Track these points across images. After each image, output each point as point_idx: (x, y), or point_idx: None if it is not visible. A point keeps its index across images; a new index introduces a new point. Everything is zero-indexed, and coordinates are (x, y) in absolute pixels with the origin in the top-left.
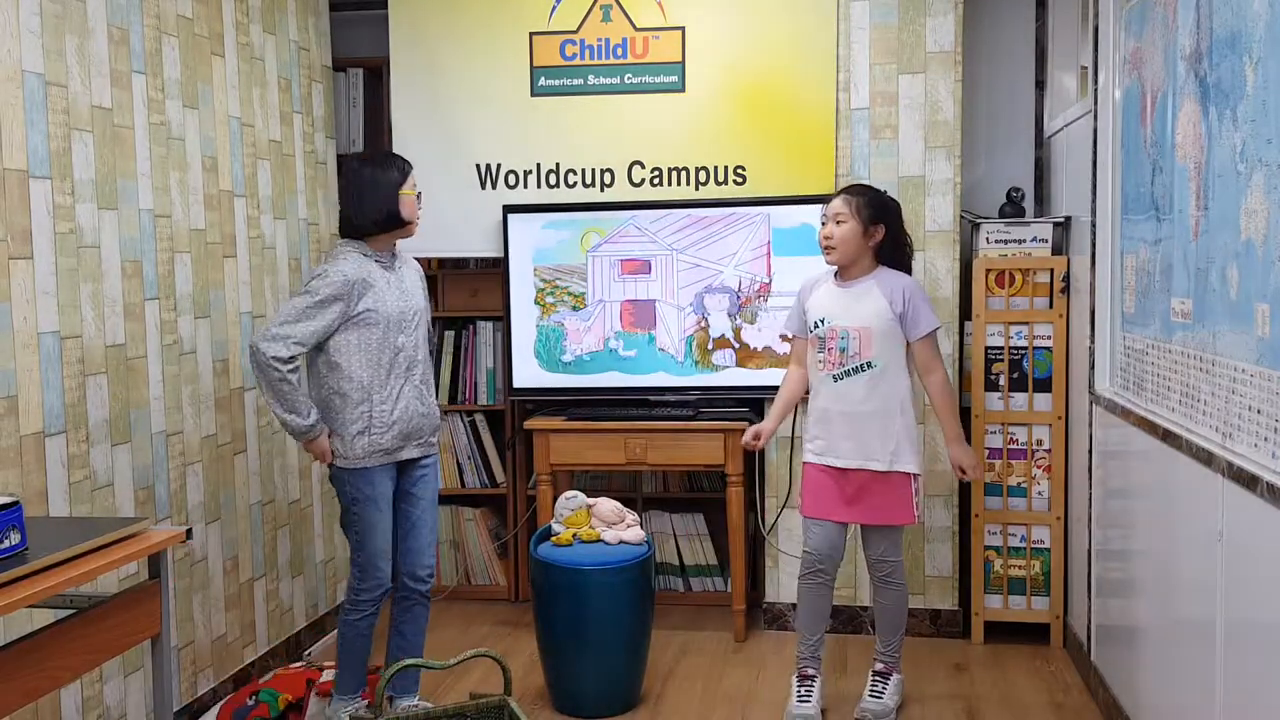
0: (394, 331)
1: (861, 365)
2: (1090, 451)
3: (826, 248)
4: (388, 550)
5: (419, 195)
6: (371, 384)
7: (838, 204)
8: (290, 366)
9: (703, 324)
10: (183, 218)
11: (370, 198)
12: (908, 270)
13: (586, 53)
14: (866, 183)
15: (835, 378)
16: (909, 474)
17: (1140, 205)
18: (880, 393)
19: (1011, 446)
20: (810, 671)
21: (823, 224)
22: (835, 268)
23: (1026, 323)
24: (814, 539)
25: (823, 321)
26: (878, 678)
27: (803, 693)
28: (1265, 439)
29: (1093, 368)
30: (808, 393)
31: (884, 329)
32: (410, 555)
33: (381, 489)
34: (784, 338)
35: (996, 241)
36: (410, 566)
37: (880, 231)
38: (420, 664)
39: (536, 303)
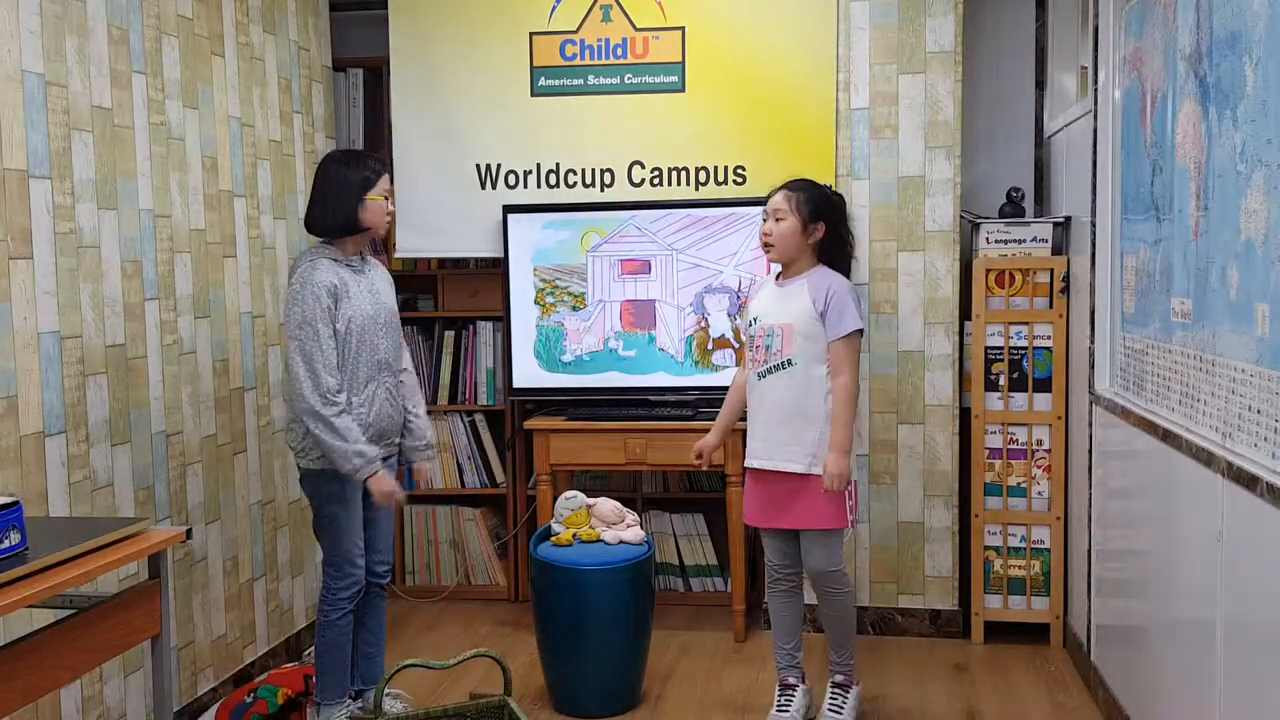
0: (370, 335)
1: (782, 363)
2: (1090, 451)
3: (765, 245)
4: (361, 549)
5: (391, 199)
6: (350, 388)
7: (777, 199)
8: (340, 402)
9: (703, 324)
10: (183, 218)
11: (333, 199)
12: (846, 270)
13: (586, 53)
14: (809, 178)
15: (760, 375)
16: None
17: (1140, 205)
18: (799, 392)
19: (1011, 446)
20: (791, 680)
21: (763, 220)
22: (779, 268)
23: (1026, 323)
24: (769, 551)
25: (755, 320)
26: (837, 689)
27: (782, 702)
28: (1265, 439)
29: (1093, 368)
30: None
31: (804, 328)
32: (369, 551)
33: (354, 487)
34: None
35: (996, 241)
36: (370, 561)
37: (820, 229)
38: (420, 664)
39: (536, 303)
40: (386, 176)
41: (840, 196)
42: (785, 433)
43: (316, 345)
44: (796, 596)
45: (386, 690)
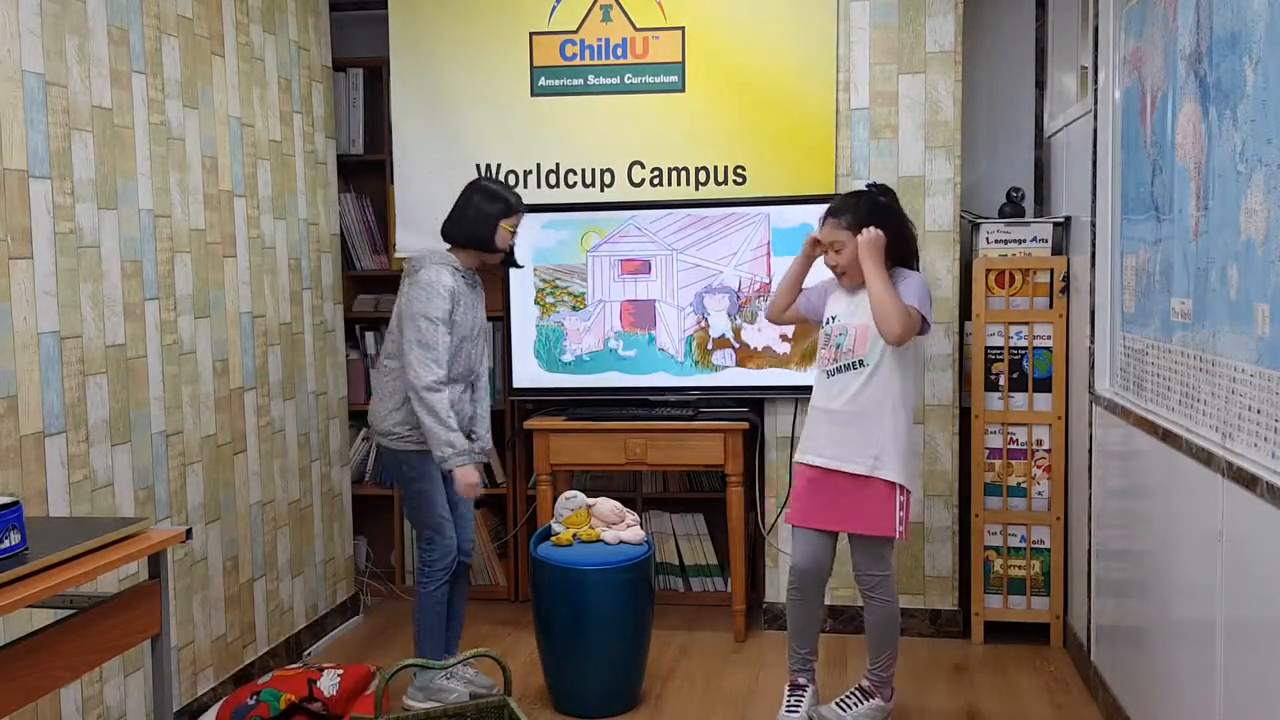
0: (467, 344)
1: (853, 363)
2: (1090, 451)
3: (838, 274)
4: (450, 519)
5: (514, 233)
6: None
7: (829, 231)
8: (445, 390)
9: (703, 324)
10: (183, 218)
11: (472, 220)
12: (911, 261)
13: (586, 53)
14: (850, 191)
15: (829, 374)
16: (892, 483)
17: (1140, 205)
18: (868, 393)
19: (1011, 446)
20: (801, 681)
21: (824, 252)
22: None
23: (1026, 323)
24: (797, 554)
25: (833, 319)
26: (856, 692)
27: (792, 702)
28: (1265, 439)
29: (1093, 368)
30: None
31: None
32: (456, 533)
33: (436, 467)
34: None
35: (996, 241)
36: (458, 542)
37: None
38: (421, 664)
39: (536, 303)
40: (520, 212)
41: (887, 194)
42: (851, 433)
43: (436, 337)
44: (816, 602)
45: (465, 664)
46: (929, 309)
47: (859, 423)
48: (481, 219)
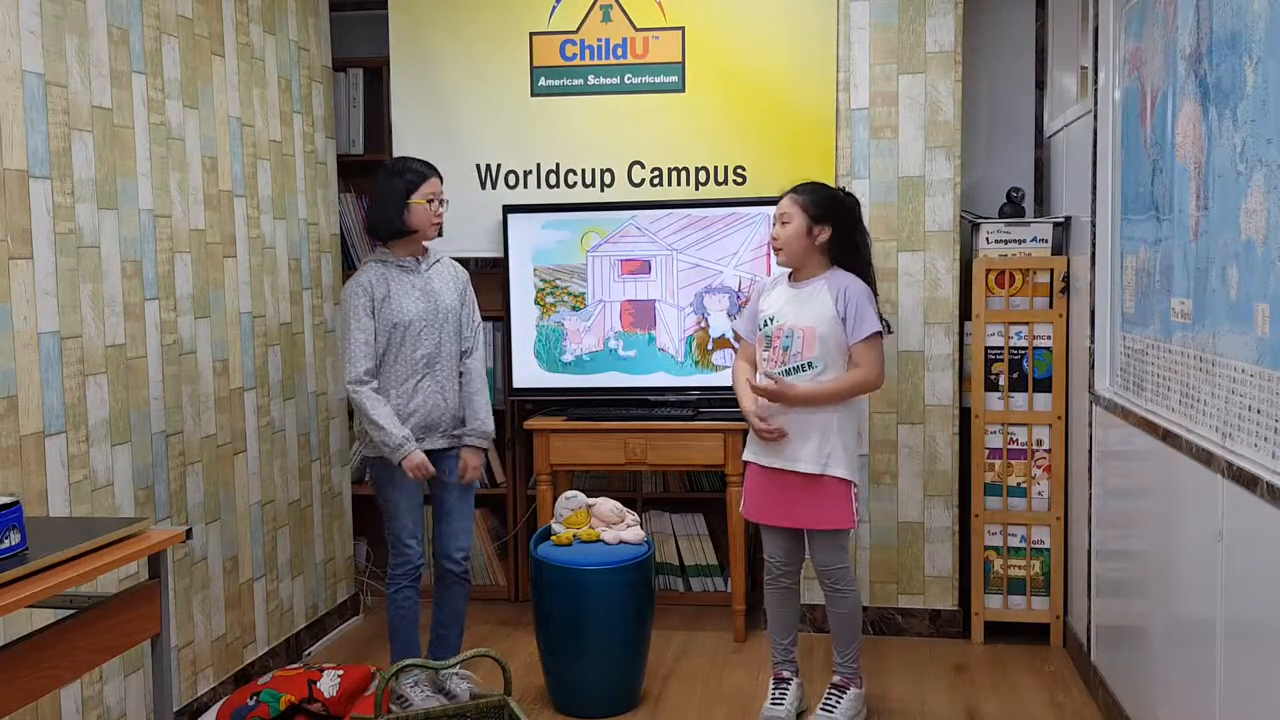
0: (414, 333)
1: (802, 365)
2: (1090, 451)
3: (775, 249)
4: (414, 530)
5: (437, 201)
6: (390, 380)
7: (784, 203)
8: (369, 385)
9: (703, 324)
10: (183, 218)
11: (381, 207)
12: (866, 273)
13: (586, 53)
14: (820, 181)
15: (775, 377)
16: (845, 480)
17: (1140, 205)
18: None
19: (1011, 446)
20: (785, 674)
21: (773, 223)
22: (790, 269)
23: (1026, 323)
24: (768, 546)
25: (771, 320)
26: (833, 690)
27: (776, 695)
28: (1265, 439)
29: (1092, 368)
30: None
31: (826, 331)
32: (443, 539)
33: (402, 473)
34: (736, 337)
35: (996, 241)
36: (445, 549)
37: (825, 231)
38: (421, 664)
39: (536, 303)
40: (434, 180)
41: (852, 198)
42: (803, 433)
43: (349, 336)
44: (793, 593)
45: (457, 671)
46: (878, 315)
47: (811, 424)
48: (389, 204)
